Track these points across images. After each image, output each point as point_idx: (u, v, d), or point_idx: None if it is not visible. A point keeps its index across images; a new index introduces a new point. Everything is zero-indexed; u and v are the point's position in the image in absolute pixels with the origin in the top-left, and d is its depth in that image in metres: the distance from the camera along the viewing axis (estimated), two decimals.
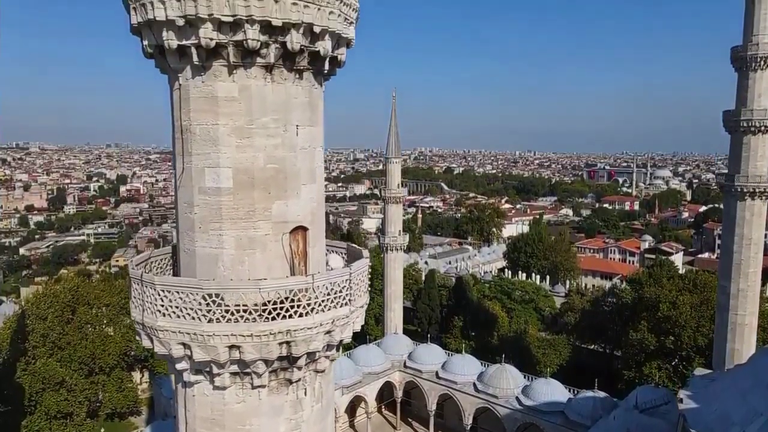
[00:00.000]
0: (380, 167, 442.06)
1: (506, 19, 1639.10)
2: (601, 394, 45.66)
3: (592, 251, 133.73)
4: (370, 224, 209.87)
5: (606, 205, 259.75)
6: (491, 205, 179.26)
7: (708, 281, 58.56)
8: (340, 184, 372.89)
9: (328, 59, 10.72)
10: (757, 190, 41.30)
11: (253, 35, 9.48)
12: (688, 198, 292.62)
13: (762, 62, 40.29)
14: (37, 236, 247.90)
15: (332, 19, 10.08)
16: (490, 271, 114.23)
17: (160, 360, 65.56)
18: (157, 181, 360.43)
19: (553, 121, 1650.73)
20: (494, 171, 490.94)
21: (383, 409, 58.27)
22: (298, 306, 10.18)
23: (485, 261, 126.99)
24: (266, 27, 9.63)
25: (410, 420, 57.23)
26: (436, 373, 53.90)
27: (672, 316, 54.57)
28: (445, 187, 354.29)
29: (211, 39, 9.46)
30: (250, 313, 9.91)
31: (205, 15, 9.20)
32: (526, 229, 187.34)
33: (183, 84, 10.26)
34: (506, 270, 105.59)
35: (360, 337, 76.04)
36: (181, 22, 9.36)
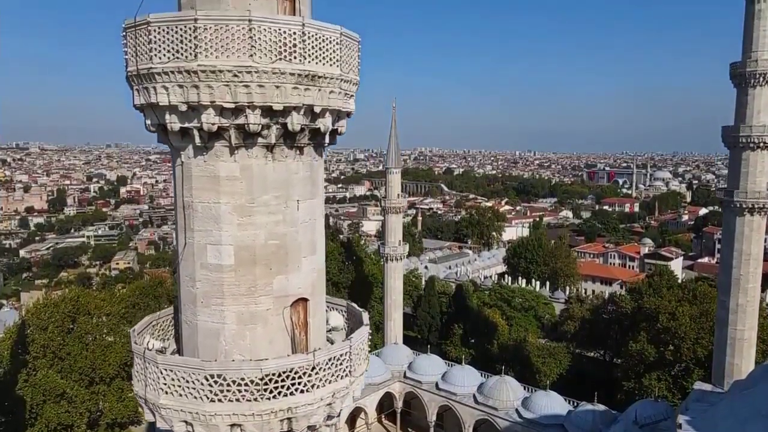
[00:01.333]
0: (380, 168, 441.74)
1: (507, 19, 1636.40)
2: (601, 407, 45.74)
3: (591, 256, 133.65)
4: (370, 227, 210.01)
5: (606, 207, 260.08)
6: (491, 209, 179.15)
7: (707, 292, 58.61)
8: (340, 185, 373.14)
9: (328, 133, 10.77)
10: (756, 206, 41.38)
11: (254, 120, 9.57)
12: (688, 199, 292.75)
13: (761, 78, 40.38)
14: (37, 238, 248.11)
15: (333, 97, 10.18)
16: (490, 276, 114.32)
17: None
18: (156, 182, 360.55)
19: (553, 121, 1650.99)
20: (494, 171, 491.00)
21: (383, 420, 58.41)
22: (299, 383, 10.24)
23: (485, 265, 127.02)
24: (267, 111, 9.70)
25: (410, 430, 57.37)
26: (436, 384, 54.05)
27: (671, 328, 54.63)
28: (445, 189, 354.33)
29: (213, 123, 9.56)
30: (252, 392, 9.98)
31: (208, 102, 9.30)
32: (526, 231, 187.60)
33: (185, 162, 10.35)
34: (506, 275, 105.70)
35: None
36: (183, 107, 9.46)
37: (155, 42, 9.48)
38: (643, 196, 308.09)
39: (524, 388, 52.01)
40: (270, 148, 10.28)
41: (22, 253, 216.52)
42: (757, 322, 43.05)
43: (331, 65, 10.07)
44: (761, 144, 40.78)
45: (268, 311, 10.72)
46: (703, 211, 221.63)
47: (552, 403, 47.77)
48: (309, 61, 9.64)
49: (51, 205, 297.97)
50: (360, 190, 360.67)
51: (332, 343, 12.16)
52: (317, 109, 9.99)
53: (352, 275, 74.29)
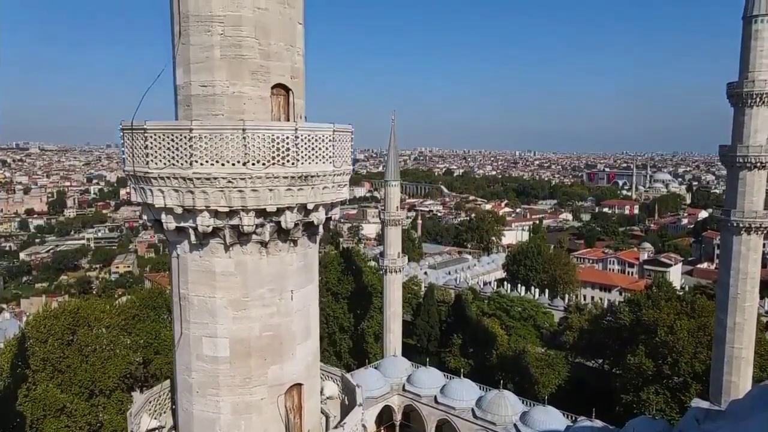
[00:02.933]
0: (380, 169, 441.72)
1: (507, 19, 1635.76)
2: (599, 423, 45.92)
3: (591, 261, 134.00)
4: (369, 230, 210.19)
5: (606, 209, 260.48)
6: (491, 214, 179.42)
7: (705, 305, 58.78)
8: None
9: (322, 224, 10.95)
10: (753, 226, 41.53)
11: (248, 221, 9.77)
12: (688, 201, 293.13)
13: (758, 99, 40.50)
14: (37, 240, 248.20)
15: (326, 192, 10.37)
16: (490, 282, 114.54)
17: (160, 381, 65.98)
18: None
19: (553, 120, 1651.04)
20: (494, 172, 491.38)
21: None
22: None
23: (485, 271, 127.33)
24: (261, 212, 9.88)
25: None
26: (435, 398, 54.24)
27: (669, 342, 54.84)
28: (445, 190, 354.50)
29: (208, 225, 9.73)
30: None
31: (203, 207, 9.49)
32: (525, 235, 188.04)
33: (181, 255, 10.54)
34: (506, 282, 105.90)
35: (359, 355, 76.48)
36: (179, 210, 9.64)
37: (151, 148, 9.67)
38: (643, 197, 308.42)
39: (523, 402, 52.16)
40: (264, 243, 10.46)
41: (22, 255, 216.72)
42: (754, 340, 43.18)
43: (324, 163, 10.27)
44: (758, 164, 40.93)
45: (262, 400, 10.85)
46: (702, 213, 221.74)
47: (550, 419, 47.92)
48: (302, 163, 9.81)
49: (51, 207, 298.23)
50: (360, 191, 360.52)
51: (327, 416, 12.32)
52: (310, 206, 10.20)
53: (352, 285, 74.50)
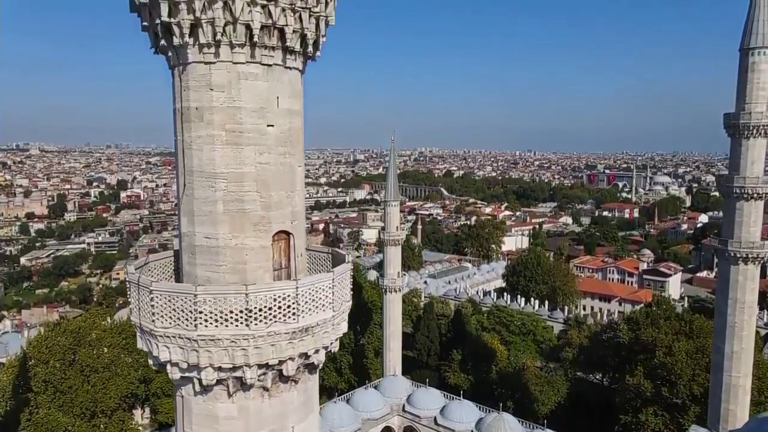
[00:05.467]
0: (380, 170, 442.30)
1: (506, 20, 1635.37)
2: None
3: (590, 271, 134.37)
4: (370, 234, 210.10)
5: (606, 213, 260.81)
6: (490, 222, 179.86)
7: (704, 326, 59.02)
8: (340, 189, 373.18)
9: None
10: (750, 256, 41.80)
11: (251, 375, 10.11)
12: (688, 203, 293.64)
13: (755, 130, 40.76)
14: (38, 244, 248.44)
15: (326, 336, 10.63)
16: (489, 292, 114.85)
17: (161, 399, 66.58)
18: (157, 186, 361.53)
19: (553, 119, 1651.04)
20: (494, 173, 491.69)
21: None
22: None
23: (484, 279, 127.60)
24: (264, 365, 10.12)
25: None
26: (435, 419, 54.48)
27: (668, 364, 55.09)
28: (445, 192, 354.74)
29: (212, 379, 10.02)
30: None
31: (206, 364, 9.77)
32: (525, 241, 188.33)
33: (186, 397, 10.81)
34: (505, 293, 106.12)
35: (359, 370, 76.76)
36: (184, 365, 9.92)
37: (157, 307, 10.01)
38: (643, 200, 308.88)
39: (522, 424, 52.41)
40: (266, 388, 10.73)
41: (22, 260, 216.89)
42: (751, 368, 43.49)
43: (324, 311, 10.53)
44: (755, 195, 41.19)
45: None
46: (702, 217, 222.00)
47: None
48: (303, 317, 10.07)
49: (51, 210, 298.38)
50: (360, 193, 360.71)
51: None
52: (311, 352, 10.47)
53: (352, 302, 74.79)
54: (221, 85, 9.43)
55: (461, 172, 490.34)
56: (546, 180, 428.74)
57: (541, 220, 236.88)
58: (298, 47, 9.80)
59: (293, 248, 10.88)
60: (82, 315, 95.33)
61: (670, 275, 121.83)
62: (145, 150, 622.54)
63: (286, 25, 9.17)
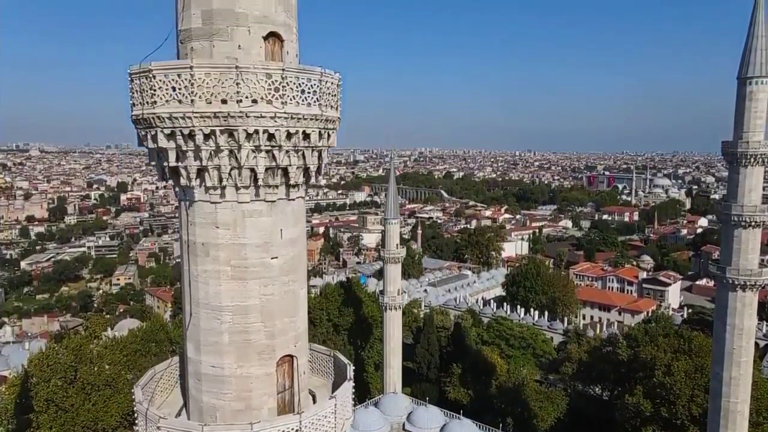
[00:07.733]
0: (380, 172, 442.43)
1: (506, 20, 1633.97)
2: None
3: (590, 279, 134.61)
4: (370, 239, 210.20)
5: (606, 216, 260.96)
6: (490, 228, 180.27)
7: (703, 344, 59.11)
8: (340, 192, 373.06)
9: None
10: (748, 283, 41.93)
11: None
12: (688, 206, 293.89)
13: (752, 159, 40.90)
14: (38, 247, 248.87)
15: None
16: (489, 301, 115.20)
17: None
18: (157, 188, 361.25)
19: (553, 119, 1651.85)
20: (494, 174, 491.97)
21: None
22: None
23: (484, 288, 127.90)
24: None
25: None
26: None
27: (666, 384, 55.24)
28: (445, 195, 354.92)
29: None
30: None
31: None
32: (525, 247, 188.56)
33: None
34: (505, 303, 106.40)
35: (359, 385, 76.89)
36: None
37: None
38: (643, 203, 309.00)
39: None
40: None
41: (23, 264, 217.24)
42: (749, 394, 43.62)
43: None
44: (752, 223, 41.36)
45: None
46: (702, 221, 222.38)
47: None
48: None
49: (51, 213, 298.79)
50: (360, 196, 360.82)
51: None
52: None
53: (352, 317, 75.08)
54: (227, 223, 9.68)
55: (461, 173, 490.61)
56: (546, 181, 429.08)
57: (541, 223, 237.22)
58: (301, 181, 10.04)
59: (296, 369, 11.09)
60: (83, 323, 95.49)
61: (670, 284, 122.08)
62: (145, 151, 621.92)
63: (290, 165, 9.42)
